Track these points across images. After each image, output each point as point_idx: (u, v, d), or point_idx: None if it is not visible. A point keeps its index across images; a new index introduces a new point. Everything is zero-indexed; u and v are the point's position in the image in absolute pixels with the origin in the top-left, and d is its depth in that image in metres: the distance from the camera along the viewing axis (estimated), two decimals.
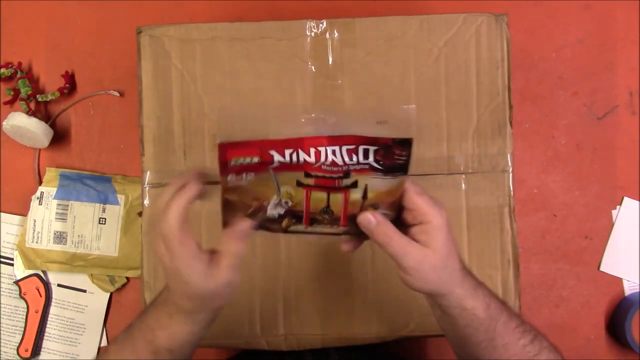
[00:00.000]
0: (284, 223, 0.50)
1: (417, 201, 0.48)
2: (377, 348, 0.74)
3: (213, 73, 0.68)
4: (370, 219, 0.48)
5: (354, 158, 0.46)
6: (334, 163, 0.46)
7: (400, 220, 0.50)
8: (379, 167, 0.47)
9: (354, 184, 0.48)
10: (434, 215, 0.48)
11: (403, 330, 0.68)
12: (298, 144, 0.46)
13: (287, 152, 0.46)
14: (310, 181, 0.47)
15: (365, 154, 0.46)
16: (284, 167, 0.47)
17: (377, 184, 0.47)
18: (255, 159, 0.47)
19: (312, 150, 0.45)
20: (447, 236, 0.48)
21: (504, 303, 0.53)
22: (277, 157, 0.46)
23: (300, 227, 0.50)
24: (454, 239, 0.50)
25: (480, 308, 0.50)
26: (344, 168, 0.47)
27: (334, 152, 0.46)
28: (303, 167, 0.46)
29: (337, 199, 0.48)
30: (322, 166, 0.46)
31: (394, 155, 0.46)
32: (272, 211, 0.49)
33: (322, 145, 0.46)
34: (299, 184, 0.48)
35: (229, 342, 0.66)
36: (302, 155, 0.46)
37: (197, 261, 0.47)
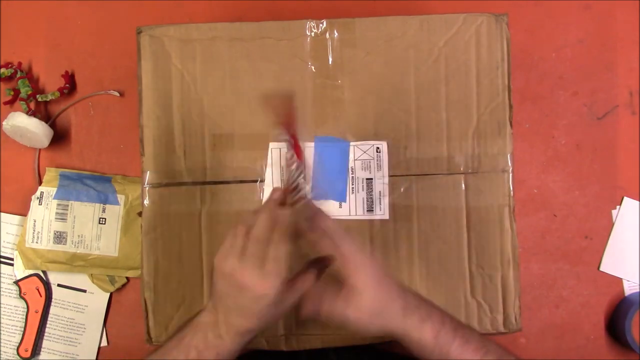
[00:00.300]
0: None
1: (342, 250, 0.53)
2: (376, 348, 0.74)
3: (213, 73, 0.68)
4: (314, 309, 0.54)
5: None
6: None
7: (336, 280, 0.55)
8: None
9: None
10: (358, 265, 0.53)
11: None
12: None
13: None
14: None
15: None
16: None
17: None
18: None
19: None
20: (377, 279, 0.53)
21: (462, 327, 0.56)
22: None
23: None
24: (389, 278, 0.54)
25: (427, 338, 0.54)
26: None
27: None
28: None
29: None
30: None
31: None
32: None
33: None
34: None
35: None
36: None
37: (280, 283, 0.51)
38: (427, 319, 0.55)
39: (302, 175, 0.55)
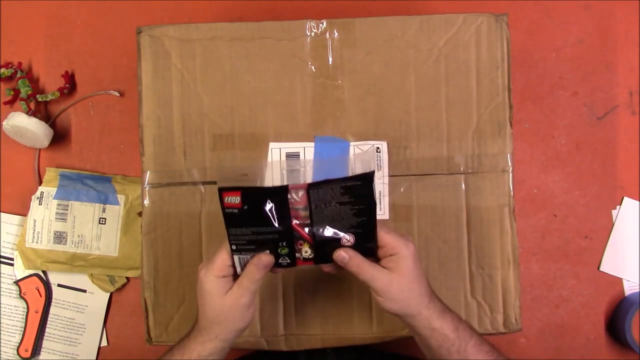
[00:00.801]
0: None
1: (385, 239, 0.55)
2: (376, 348, 0.74)
3: (213, 73, 0.68)
4: (343, 255, 0.55)
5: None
6: None
7: (376, 257, 0.57)
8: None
9: None
10: (401, 247, 0.55)
11: (402, 331, 0.68)
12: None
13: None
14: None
15: None
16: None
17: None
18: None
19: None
20: (414, 264, 0.55)
21: (474, 330, 0.59)
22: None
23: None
24: (422, 268, 0.57)
25: (448, 328, 0.56)
26: None
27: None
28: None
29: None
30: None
31: None
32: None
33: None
34: None
35: None
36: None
37: (218, 283, 0.55)
38: (448, 312, 0.58)
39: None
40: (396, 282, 0.55)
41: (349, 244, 0.55)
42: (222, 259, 0.55)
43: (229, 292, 0.55)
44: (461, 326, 0.57)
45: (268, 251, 0.55)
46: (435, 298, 0.58)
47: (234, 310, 0.55)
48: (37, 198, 0.82)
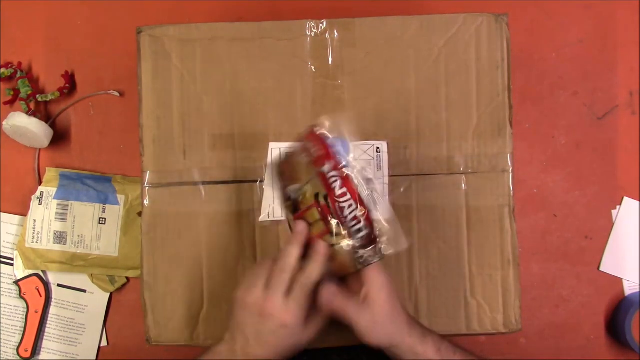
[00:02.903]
0: (286, 204, 0.60)
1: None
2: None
3: (213, 73, 0.68)
4: (326, 297, 0.56)
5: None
6: (342, 217, 0.55)
7: (349, 286, 0.58)
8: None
9: (334, 245, 0.56)
10: (375, 278, 0.56)
11: None
12: (345, 178, 0.55)
13: (333, 173, 0.55)
14: (321, 202, 0.56)
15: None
16: (323, 176, 0.55)
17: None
18: (321, 152, 0.55)
19: (341, 191, 0.54)
20: (390, 294, 0.56)
21: (460, 347, 0.60)
22: (327, 167, 0.55)
23: (290, 217, 0.60)
24: (397, 295, 0.58)
25: (431, 351, 0.57)
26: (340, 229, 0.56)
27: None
28: (330, 190, 0.55)
29: (323, 233, 0.57)
30: (338, 205, 0.55)
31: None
32: (291, 192, 0.59)
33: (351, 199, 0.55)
34: (316, 195, 0.56)
35: None
36: (337, 183, 0.55)
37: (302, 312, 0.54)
38: (428, 335, 0.59)
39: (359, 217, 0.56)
40: (377, 317, 0.55)
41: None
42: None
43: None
44: (443, 346, 0.58)
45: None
46: (413, 323, 0.59)
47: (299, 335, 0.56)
48: (37, 198, 0.82)
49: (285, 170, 0.60)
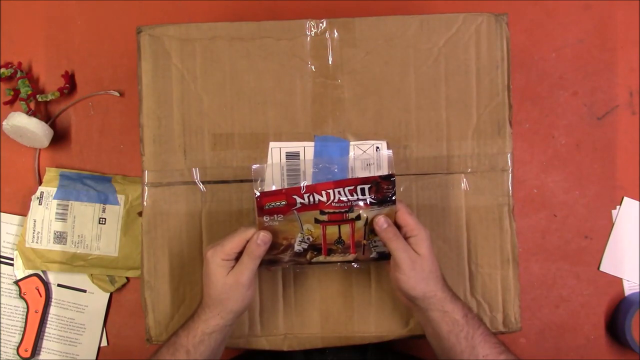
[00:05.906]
0: (308, 255, 0.62)
1: (407, 219, 0.60)
2: (376, 346, 0.74)
3: (213, 73, 0.68)
4: (382, 222, 0.59)
5: (354, 195, 0.60)
6: (340, 200, 0.60)
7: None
8: (374, 200, 0.60)
9: (358, 217, 0.60)
10: (420, 230, 0.59)
11: (402, 330, 0.68)
12: (314, 189, 0.59)
13: (306, 195, 0.59)
14: (325, 217, 0.60)
15: (362, 191, 0.59)
16: (304, 207, 0.60)
17: (374, 213, 0.60)
18: (283, 203, 0.59)
19: (324, 192, 0.59)
20: (431, 248, 0.60)
21: (483, 322, 0.62)
22: (298, 200, 0.59)
23: (321, 258, 0.63)
24: (435, 257, 0.60)
25: (458, 313, 0.59)
26: (348, 204, 0.60)
27: (339, 192, 0.59)
28: (318, 206, 0.60)
29: (346, 229, 0.61)
30: (332, 203, 0.60)
31: (383, 189, 0.59)
32: (298, 247, 0.62)
33: (330, 188, 0.59)
34: (317, 220, 0.60)
35: (229, 341, 0.66)
36: (317, 197, 0.59)
37: (223, 264, 0.59)
38: (459, 299, 0.61)
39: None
40: (419, 262, 0.58)
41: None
42: (232, 245, 0.59)
43: (231, 272, 0.59)
44: (470, 314, 0.60)
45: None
46: (446, 283, 0.61)
47: (234, 289, 0.59)
48: (37, 198, 0.82)
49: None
